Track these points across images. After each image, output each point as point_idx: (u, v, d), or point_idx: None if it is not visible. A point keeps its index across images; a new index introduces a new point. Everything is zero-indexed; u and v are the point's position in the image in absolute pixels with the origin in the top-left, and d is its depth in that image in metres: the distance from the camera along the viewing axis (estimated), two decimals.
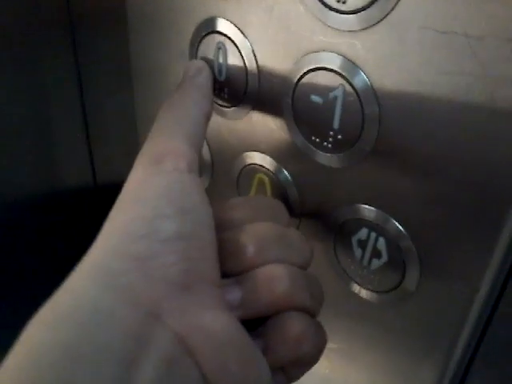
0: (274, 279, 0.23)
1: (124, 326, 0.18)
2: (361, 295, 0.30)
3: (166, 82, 0.35)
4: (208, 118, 0.27)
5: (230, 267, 0.23)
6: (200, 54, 0.31)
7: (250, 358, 0.20)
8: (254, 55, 0.28)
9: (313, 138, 0.27)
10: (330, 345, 0.34)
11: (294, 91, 0.27)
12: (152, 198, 0.21)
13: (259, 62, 0.28)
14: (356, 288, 0.30)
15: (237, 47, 0.28)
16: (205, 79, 0.28)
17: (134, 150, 0.22)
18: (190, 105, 0.26)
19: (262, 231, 0.24)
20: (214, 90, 0.30)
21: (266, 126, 0.29)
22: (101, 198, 0.21)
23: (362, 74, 0.24)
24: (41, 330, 0.18)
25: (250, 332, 0.22)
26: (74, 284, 0.19)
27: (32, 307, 0.19)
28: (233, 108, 0.31)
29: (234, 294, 0.22)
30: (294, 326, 0.23)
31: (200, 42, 0.30)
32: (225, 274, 0.23)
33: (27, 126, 0.34)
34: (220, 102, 0.31)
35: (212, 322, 0.20)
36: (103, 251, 0.20)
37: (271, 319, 0.23)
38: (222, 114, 0.32)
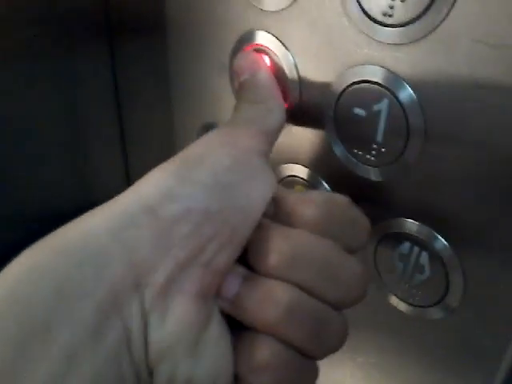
0: (269, 300, 0.20)
1: (110, 282, 0.18)
2: (399, 309, 0.30)
3: (206, 94, 0.35)
4: (284, 121, 0.26)
5: (250, 259, 0.22)
6: None
7: (199, 356, 0.19)
8: (296, 68, 0.28)
9: (355, 150, 0.27)
10: (366, 358, 0.34)
11: (336, 104, 0.27)
12: (200, 165, 0.21)
13: (301, 75, 0.28)
14: (395, 301, 0.30)
15: (279, 60, 0.28)
16: (267, 75, 0.27)
17: None
18: (262, 113, 0.25)
19: (301, 247, 0.21)
20: None
21: (306, 138, 0.29)
22: None
23: (408, 87, 0.24)
24: (36, 255, 0.18)
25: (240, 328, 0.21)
26: (95, 219, 0.19)
27: None
28: None
29: (231, 288, 0.21)
30: (262, 352, 0.20)
31: None
32: (245, 259, 0.22)
33: (64, 139, 0.35)
34: None
35: (175, 309, 0.19)
36: (137, 199, 0.20)
37: (251, 332, 0.21)
38: None
